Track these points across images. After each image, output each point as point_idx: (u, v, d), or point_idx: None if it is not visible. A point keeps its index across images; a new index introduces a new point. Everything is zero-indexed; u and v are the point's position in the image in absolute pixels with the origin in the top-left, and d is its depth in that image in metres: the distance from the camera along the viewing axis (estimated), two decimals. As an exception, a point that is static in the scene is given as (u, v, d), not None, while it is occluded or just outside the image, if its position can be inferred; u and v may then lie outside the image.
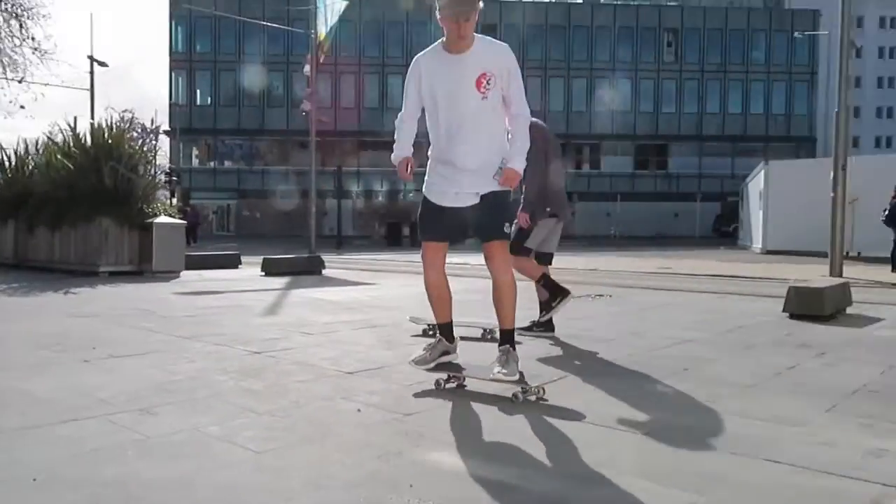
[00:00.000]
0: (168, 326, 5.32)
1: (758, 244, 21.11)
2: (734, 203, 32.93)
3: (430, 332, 5.03)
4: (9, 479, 2.08)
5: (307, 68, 17.05)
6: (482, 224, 3.34)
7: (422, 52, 3.36)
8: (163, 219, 10.91)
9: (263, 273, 11.24)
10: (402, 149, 3.46)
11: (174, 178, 30.45)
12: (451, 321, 3.56)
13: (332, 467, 2.22)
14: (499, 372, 3.16)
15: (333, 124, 43.57)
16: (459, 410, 2.97)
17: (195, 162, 48.38)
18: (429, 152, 3.44)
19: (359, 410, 2.92)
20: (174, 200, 27.68)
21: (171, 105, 46.54)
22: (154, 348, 4.36)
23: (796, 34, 43.73)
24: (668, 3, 49.33)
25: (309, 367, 3.82)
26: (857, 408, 3.01)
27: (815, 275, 10.64)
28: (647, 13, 47.79)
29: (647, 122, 47.41)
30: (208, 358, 4.05)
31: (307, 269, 11.71)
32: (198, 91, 47.99)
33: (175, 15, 46.03)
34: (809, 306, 5.98)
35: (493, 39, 3.30)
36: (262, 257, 12.11)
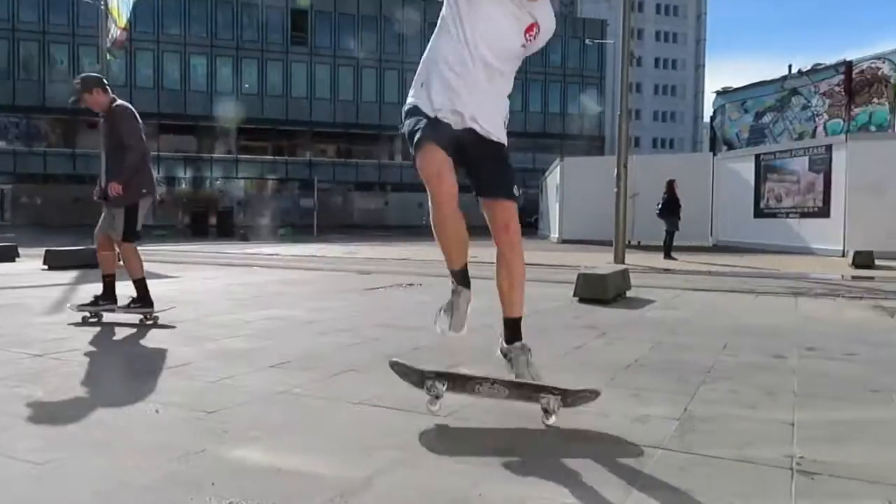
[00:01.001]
0: (-75, 330, 4.65)
1: (555, 234, 22.78)
2: (535, 195, 35.23)
3: (92, 320, 5.04)
4: None
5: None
6: (489, 174, 2.77)
7: None
8: (-84, 206, 9.45)
9: (46, 266, 10.15)
10: None
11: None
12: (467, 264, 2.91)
13: (125, 473, 2.10)
14: (524, 373, 2.71)
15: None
16: (265, 404, 2.93)
17: (-42, 141, 42.30)
18: (426, 57, 2.81)
19: (157, 411, 2.78)
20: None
21: (-75, 76, 40.25)
22: None
23: (587, 41, 47.68)
24: (475, 3, 51.34)
25: (98, 368, 3.55)
26: (629, 380, 3.41)
27: (602, 262, 11.74)
28: (455, 11, 49.42)
29: (456, 116, 49.15)
30: (-23, 364, 3.61)
31: (98, 262, 10.73)
32: (-39, 61, 41.93)
33: (-71, -29, 39.81)
34: (595, 291, 6.61)
35: None
36: (44, 249, 10.92)
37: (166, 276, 9.27)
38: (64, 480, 2.03)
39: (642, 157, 25.50)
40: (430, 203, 2.66)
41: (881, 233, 12.54)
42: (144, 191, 5.13)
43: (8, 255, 11.82)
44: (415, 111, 2.72)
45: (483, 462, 2.24)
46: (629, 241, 15.18)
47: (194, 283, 8.35)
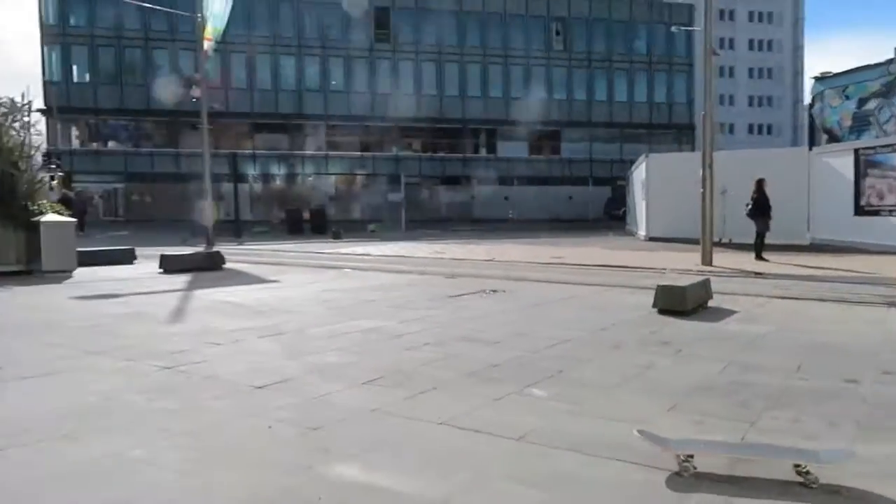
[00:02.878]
0: (71, 339, 5.36)
1: (642, 231, 22.47)
2: (623, 187, 34.68)
3: None
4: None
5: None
6: None
7: None
8: (51, 217, 10.57)
9: (162, 270, 11.10)
10: None
11: (53, 165, 28.66)
12: None
13: (257, 487, 2.54)
14: None
15: (225, 106, 42.31)
16: (359, 423, 3.33)
17: (76, 143, 45.62)
18: None
19: (269, 427, 3.22)
20: (54, 184, 26.10)
21: (45, 82, 43.56)
22: (59, 368, 4.44)
23: (673, 28, 46.21)
24: (556, -8, 50.71)
25: (220, 382, 4.06)
26: (694, 405, 3.59)
27: (689, 264, 11.67)
28: (534, 2, 49.06)
29: (539, 108, 48.91)
30: (119, 375, 4.21)
31: (207, 266, 11.63)
32: (74, 67, 45.13)
33: (44, -15, 43.01)
34: (674, 303, 6.71)
35: None
36: (157, 250, 11.91)
37: (267, 281, 9.98)
38: (204, 490, 2.49)
39: (731, 152, 24.58)
40: None
41: None
42: None
43: (127, 258, 12.93)
44: None
45: (551, 483, 2.54)
46: (720, 239, 14.88)
47: (293, 290, 8.97)
